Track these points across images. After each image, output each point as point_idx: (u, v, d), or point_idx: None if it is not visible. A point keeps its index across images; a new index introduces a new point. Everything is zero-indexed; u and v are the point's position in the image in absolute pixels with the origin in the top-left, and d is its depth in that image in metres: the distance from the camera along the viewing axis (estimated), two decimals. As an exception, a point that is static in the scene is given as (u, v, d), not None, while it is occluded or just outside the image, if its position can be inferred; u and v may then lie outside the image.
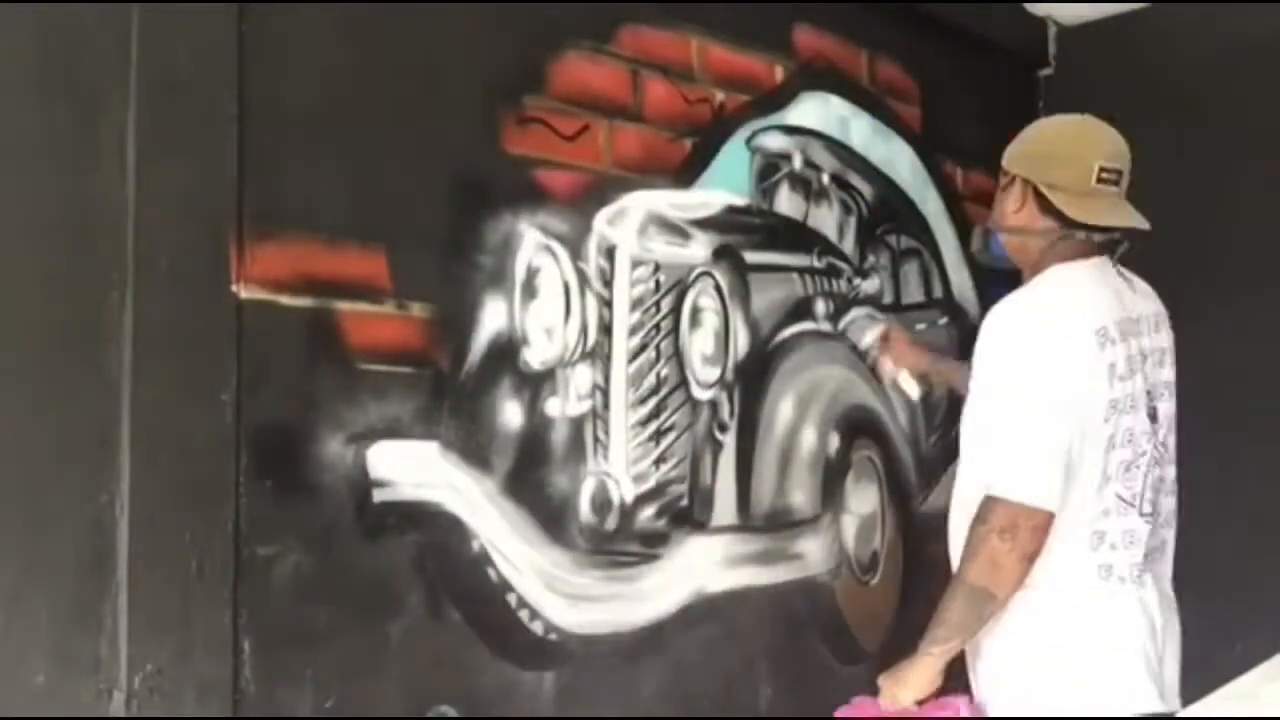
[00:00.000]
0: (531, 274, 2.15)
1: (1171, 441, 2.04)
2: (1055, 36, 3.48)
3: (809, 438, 2.70)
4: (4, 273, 1.56)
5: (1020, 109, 3.49)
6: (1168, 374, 2.03)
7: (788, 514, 2.64)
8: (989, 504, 1.82)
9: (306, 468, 1.84)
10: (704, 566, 2.44)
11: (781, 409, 2.64)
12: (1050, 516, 1.80)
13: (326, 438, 1.86)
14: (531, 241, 2.15)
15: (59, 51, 1.61)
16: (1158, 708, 1.90)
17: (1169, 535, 2.06)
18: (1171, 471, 2.04)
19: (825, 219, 2.80)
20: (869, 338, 2.61)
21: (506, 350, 2.11)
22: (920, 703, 1.91)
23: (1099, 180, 1.93)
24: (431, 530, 1.99)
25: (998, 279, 3.37)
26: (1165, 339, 2.05)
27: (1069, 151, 1.97)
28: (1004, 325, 1.90)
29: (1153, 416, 1.96)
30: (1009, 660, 1.92)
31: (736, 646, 2.52)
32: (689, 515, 2.43)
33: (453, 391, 2.03)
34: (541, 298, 2.16)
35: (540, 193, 2.18)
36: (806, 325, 2.72)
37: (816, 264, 2.76)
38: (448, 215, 2.04)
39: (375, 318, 1.93)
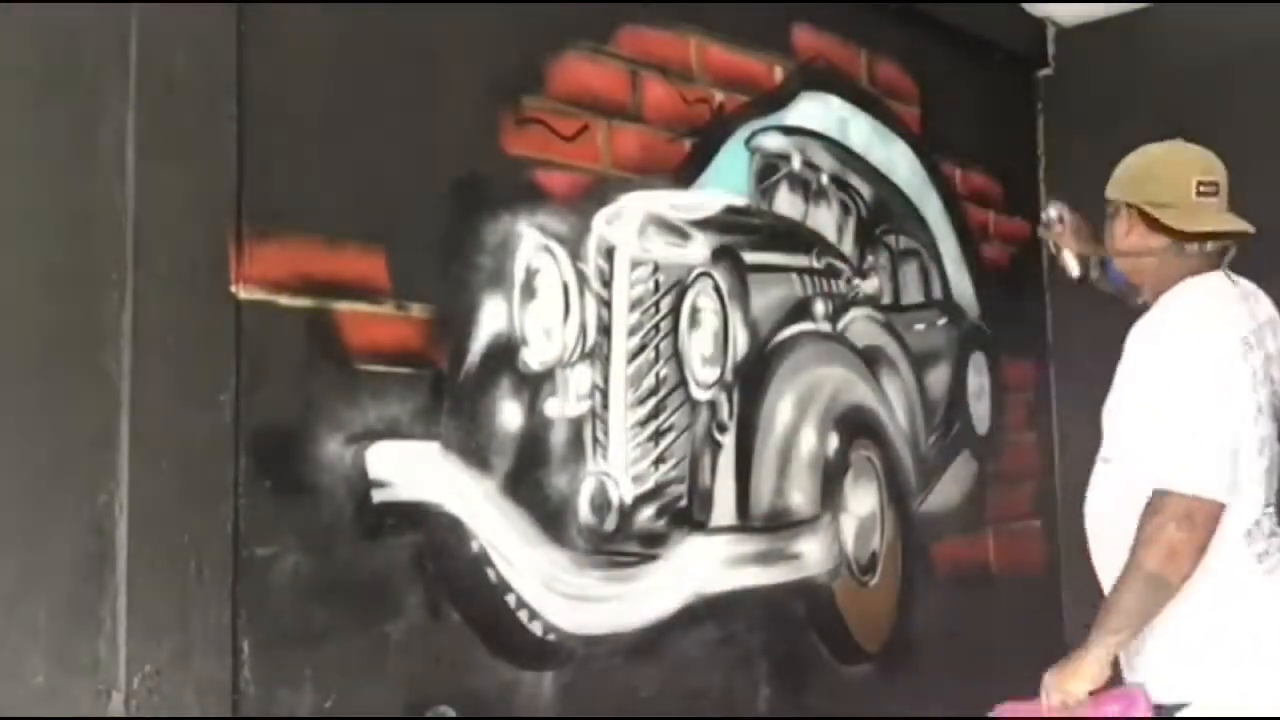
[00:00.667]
0: (531, 274, 2.15)
1: None
2: (1054, 37, 3.48)
3: (808, 438, 2.70)
4: (4, 273, 1.56)
5: (1019, 109, 3.50)
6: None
7: (787, 514, 2.64)
8: (1163, 497, 1.87)
9: (306, 468, 1.84)
10: (703, 567, 2.44)
11: (780, 409, 2.64)
12: (1222, 508, 1.87)
13: (326, 438, 1.86)
14: (531, 242, 2.15)
15: (59, 52, 1.61)
16: None
17: None
18: None
19: (824, 219, 2.80)
20: (1047, 213, 2.56)
21: (506, 351, 2.11)
22: (1092, 694, 1.90)
23: (1199, 194, 2.04)
24: (431, 530, 1.99)
25: (998, 279, 3.38)
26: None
27: (1166, 171, 2.07)
28: (1159, 337, 1.98)
29: (1278, 419, 2.05)
30: (1179, 651, 1.94)
31: (736, 647, 2.52)
32: (688, 515, 2.43)
33: (452, 392, 2.03)
34: (541, 298, 2.16)
35: (539, 193, 2.18)
36: (805, 326, 2.72)
37: (815, 264, 2.76)
38: (447, 215, 2.04)
39: (374, 318, 1.93)
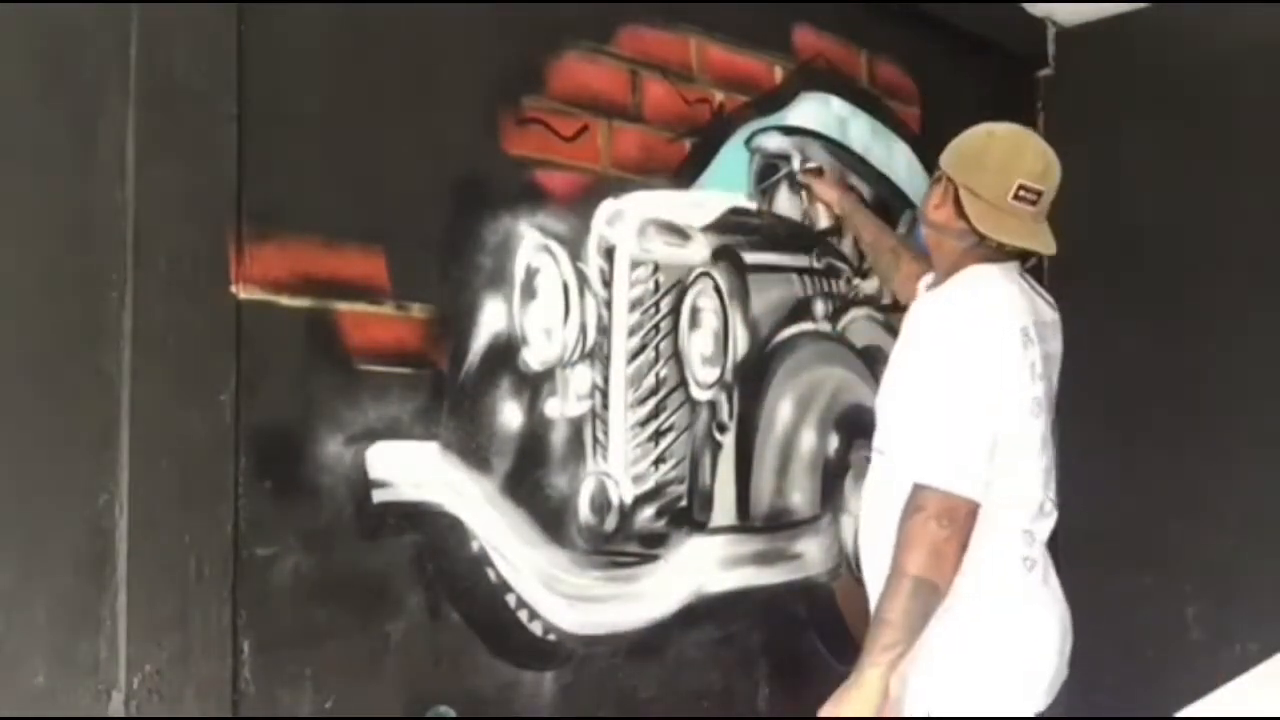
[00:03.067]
0: (531, 274, 2.15)
1: None
2: (1054, 37, 3.48)
3: (808, 438, 2.70)
4: (4, 273, 1.56)
5: (1019, 109, 3.49)
6: (1056, 380, 2.08)
7: (787, 514, 2.64)
8: (921, 492, 1.80)
9: (306, 468, 1.84)
10: (703, 567, 2.45)
11: (781, 409, 2.64)
12: (978, 507, 1.81)
13: (326, 438, 1.86)
14: (531, 242, 2.15)
15: (59, 52, 1.61)
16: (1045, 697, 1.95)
17: None
18: None
19: (824, 219, 2.80)
20: (802, 163, 2.71)
21: (506, 351, 2.11)
22: None
23: (1015, 197, 1.96)
24: (431, 531, 1.99)
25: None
26: (1060, 346, 2.10)
27: (994, 164, 1.99)
28: (935, 319, 1.93)
29: (1053, 417, 2.02)
30: (947, 663, 1.89)
31: (736, 647, 2.53)
32: (688, 516, 2.43)
33: (452, 392, 2.03)
34: (541, 298, 2.16)
35: (539, 193, 2.18)
36: (806, 326, 2.72)
37: (815, 264, 2.76)
38: (447, 216, 2.04)
39: (374, 318, 1.93)
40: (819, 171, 2.71)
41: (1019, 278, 2.03)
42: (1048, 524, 1.97)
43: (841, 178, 2.74)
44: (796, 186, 2.73)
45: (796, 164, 2.70)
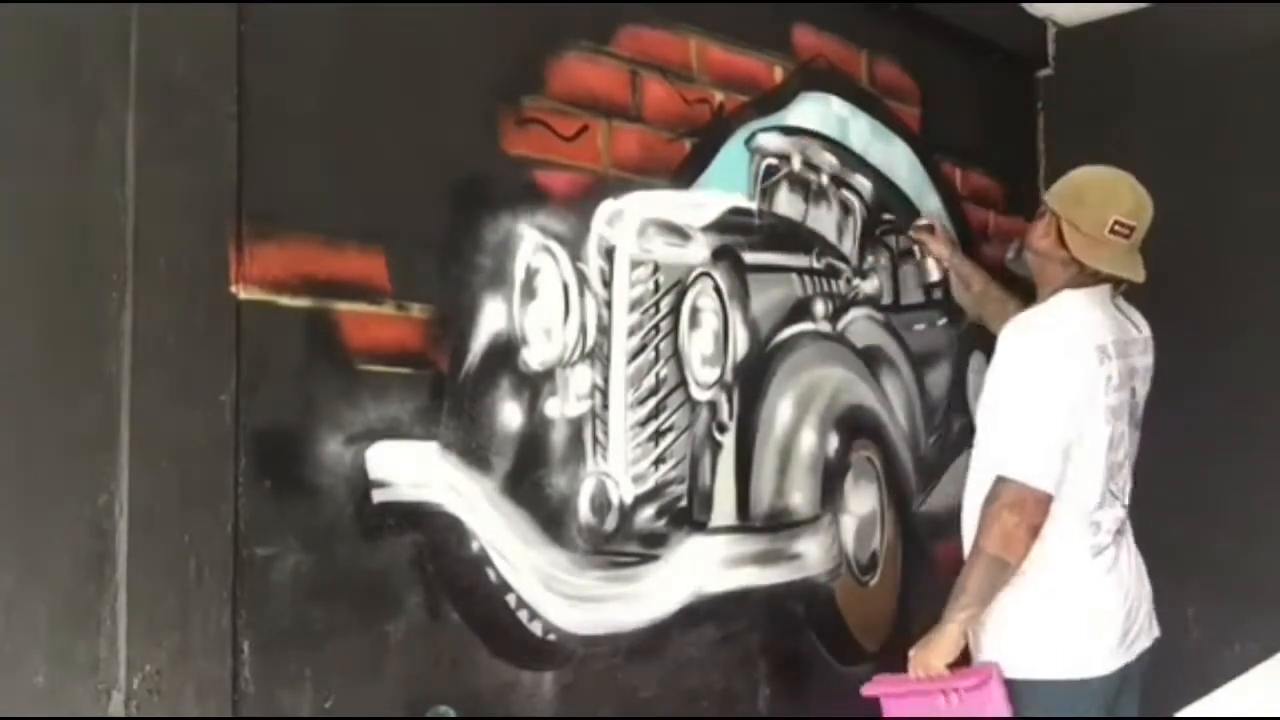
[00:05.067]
0: (531, 274, 2.15)
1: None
2: (1054, 37, 3.48)
3: (808, 438, 2.70)
4: (4, 273, 1.56)
5: (1019, 109, 3.50)
6: (1147, 388, 2.36)
7: (787, 514, 2.64)
8: (1000, 484, 2.11)
9: (306, 468, 1.84)
10: (703, 567, 2.44)
11: (781, 409, 2.64)
12: (1050, 497, 2.09)
13: (326, 438, 1.86)
14: (531, 242, 2.15)
15: (59, 52, 1.61)
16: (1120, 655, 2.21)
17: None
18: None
19: (824, 219, 2.80)
20: (918, 223, 2.92)
21: (506, 351, 2.11)
22: (951, 667, 2.13)
23: (1112, 231, 2.23)
24: (431, 530, 1.98)
25: (998, 279, 3.37)
26: (1150, 360, 2.38)
27: (1093, 200, 2.27)
28: (1021, 336, 2.20)
29: (1137, 424, 2.31)
30: (1015, 630, 2.17)
31: (736, 647, 2.53)
32: (688, 516, 2.43)
33: (452, 392, 2.03)
34: (541, 298, 2.16)
35: (539, 193, 2.18)
36: (805, 326, 2.72)
37: (815, 264, 2.76)
38: (447, 216, 2.04)
39: (374, 318, 1.93)
40: (930, 229, 2.89)
41: (1108, 300, 2.28)
42: (1112, 514, 2.22)
43: (947, 233, 2.97)
44: (796, 186, 2.73)
45: (915, 223, 2.92)
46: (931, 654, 2.14)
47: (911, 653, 2.17)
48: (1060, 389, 2.12)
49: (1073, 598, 2.17)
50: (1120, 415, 2.21)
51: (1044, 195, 2.38)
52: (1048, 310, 2.26)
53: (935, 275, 2.91)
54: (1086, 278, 2.27)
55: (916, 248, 2.93)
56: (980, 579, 2.11)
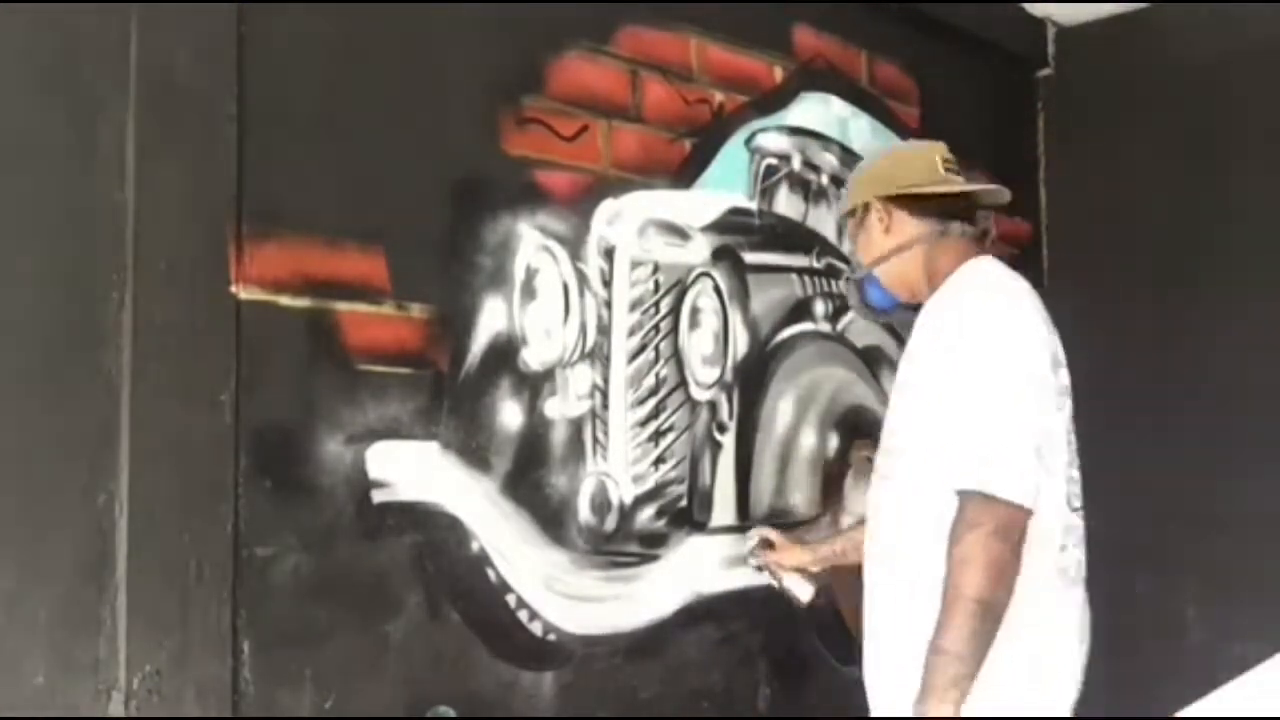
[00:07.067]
0: (531, 274, 2.15)
1: None
2: (1054, 37, 3.48)
3: (808, 438, 2.70)
4: (4, 273, 1.56)
5: (1019, 109, 3.50)
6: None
7: (787, 514, 2.64)
8: (977, 505, 1.65)
9: (306, 468, 1.84)
10: (703, 567, 2.44)
11: (781, 409, 2.64)
12: (1029, 516, 1.68)
13: (326, 438, 1.86)
14: (531, 242, 2.15)
15: (59, 52, 1.61)
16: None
17: None
18: None
19: (824, 219, 2.80)
20: (748, 544, 2.40)
21: (506, 351, 2.11)
22: None
23: (945, 170, 1.96)
24: (431, 531, 1.99)
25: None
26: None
27: (910, 157, 2.02)
28: (959, 322, 1.78)
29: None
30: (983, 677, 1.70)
31: (736, 647, 2.53)
32: (688, 516, 2.43)
33: (452, 392, 2.03)
34: (541, 298, 2.16)
35: (539, 193, 2.18)
36: (805, 326, 2.72)
37: (815, 264, 2.76)
38: (447, 216, 2.04)
39: (374, 318, 1.93)
40: (768, 544, 2.37)
41: (1008, 269, 1.90)
42: (1077, 534, 1.82)
43: (787, 535, 2.42)
44: (796, 186, 2.73)
45: (754, 544, 2.37)
46: None
47: None
48: (1026, 377, 1.72)
49: (1040, 634, 1.75)
50: (1063, 404, 1.81)
51: (850, 204, 2.02)
52: (974, 283, 1.82)
53: (808, 594, 2.32)
54: (960, 244, 1.89)
55: (768, 574, 2.38)
56: (971, 636, 1.62)
